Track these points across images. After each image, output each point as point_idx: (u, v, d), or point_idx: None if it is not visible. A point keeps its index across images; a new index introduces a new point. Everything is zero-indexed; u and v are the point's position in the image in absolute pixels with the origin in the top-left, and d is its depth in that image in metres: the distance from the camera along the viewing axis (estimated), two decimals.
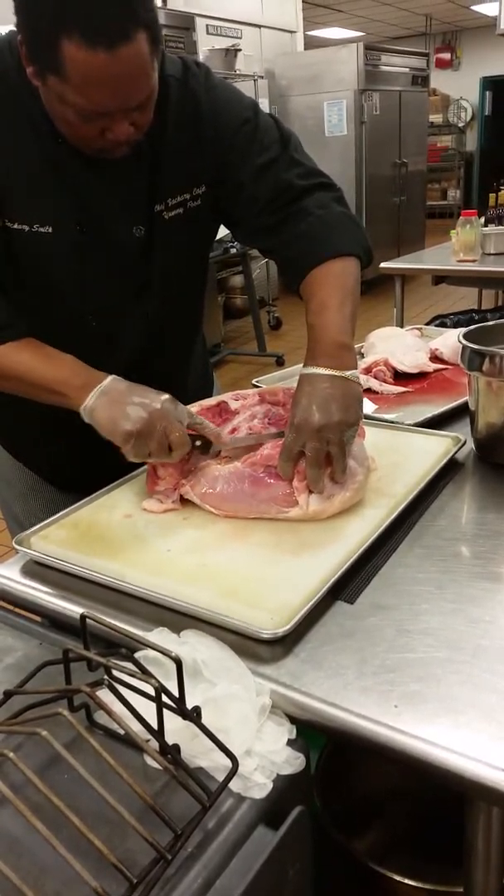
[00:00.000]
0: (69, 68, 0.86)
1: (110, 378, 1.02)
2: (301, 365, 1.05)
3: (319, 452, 0.96)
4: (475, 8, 10.14)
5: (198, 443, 1.04)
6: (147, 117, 0.97)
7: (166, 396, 1.00)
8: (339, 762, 1.13)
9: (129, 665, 0.65)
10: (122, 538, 0.98)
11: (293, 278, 1.14)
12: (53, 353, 1.06)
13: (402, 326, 2.17)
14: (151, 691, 0.63)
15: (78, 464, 1.16)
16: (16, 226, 1.04)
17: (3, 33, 1.02)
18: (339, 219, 1.15)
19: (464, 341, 1.13)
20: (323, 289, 1.10)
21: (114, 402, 0.99)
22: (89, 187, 1.06)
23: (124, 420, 0.97)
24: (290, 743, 0.67)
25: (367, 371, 1.55)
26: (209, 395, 1.36)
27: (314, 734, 0.71)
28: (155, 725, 0.64)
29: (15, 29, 0.91)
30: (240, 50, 5.88)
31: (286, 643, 0.78)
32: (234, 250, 5.07)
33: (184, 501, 1.06)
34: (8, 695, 0.71)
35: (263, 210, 1.14)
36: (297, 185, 1.14)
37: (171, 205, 1.11)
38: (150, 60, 0.89)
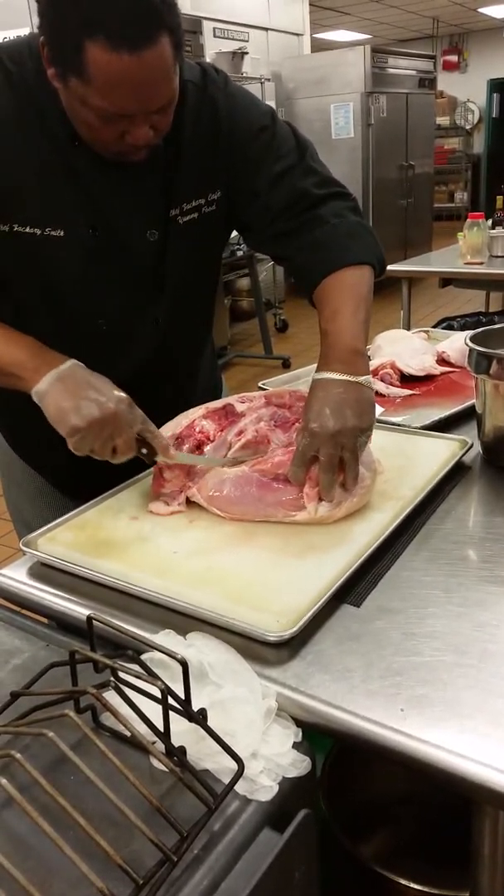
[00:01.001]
0: (92, 70, 0.86)
1: (70, 363, 0.99)
2: (312, 367, 1.05)
3: (333, 458, 0.96)
4: (483, 10, 10.14)
5: (144, 451, 1.01)
6: (167, 121, 0.98)
7: (123, 397, 0.98)
8: (345, 766, 1.13)
9: (136, 667, 0.66)
10: (129, 540, 0.99)
11: (307, 286, 1.14)
12: (13, 335, 1.04)
13: (408, 329, 2.17)
14: (158, 693, 0.63)
15: (85, 470, 1.15)
16: (27, 229, 1.04)
17: (10, 38, 1.03)
18: (353, 228, 1.15)
19: (471, 344, 1.12)
20: (337, 296, 1.10)
21: (68, 392, 0.96)
22: (104, 190, 1.06)
23: (74, 414, 0.94)
24: (295, 746, 0.67)
25: (374, 374, 1.54)
26: (217, 397, 1.36)
27: (320, 738, 0.71)
28: (161, 727, 0.64)
29: (37, 31, 0.92)
30: (247, 53, 5.89)
31: (292, 646, 0.78)
32: (240, 253, 5.08)
33: (190, 504, 1.06)
34: (15, 696, 0.71)
35: (277, 217, 1.14)
36: (312, 193, 1.14)
37: (186, 209, 1.12)
38: (172, 64, 0.90)
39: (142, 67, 0.86)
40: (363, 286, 1.11)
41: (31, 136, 1.02)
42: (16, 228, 1.04)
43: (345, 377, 1.00)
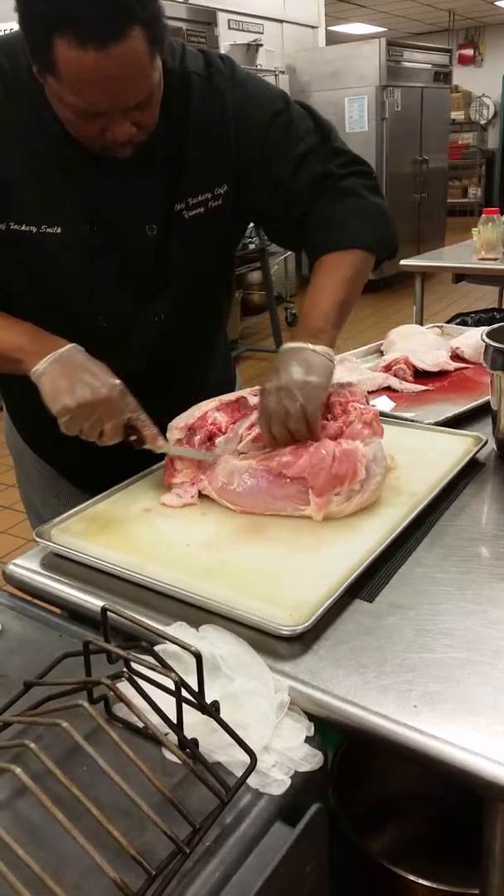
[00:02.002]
0: (63, 68, 0.85)
1: (69, 346, 1.01)
2: None
3: (279, 410, 1.01)
4: (499, 3, 10.04)
5: (133, 437, 1.04)
6: (150, 117, 0.96)
7: (117, 384, 1.00)
8: (354, 762, 1.13)
9: (150, 658, 0.66)
10: (141, 532, 0.99)
11: (310, 265, 1.16)
12: (12, 321, 1.05)
13: (421, 324, 2.16)
14: (171, 685, 0.63)
15: (96, 462, 1.16)
16: (23, 227, 1.03)
17: (4, 31, 1.02)
18: (363, 209, 1.14)
19: (487, 340, 1.12)
20: (321, 276, 1.12)
21: (64, 373, 0.98)
22: (100, 186, 1.05)
23: (67, 394, 0.97)
24: (308, 740, 0.67)
25: (388, 369, 1.54)
26: (232, 390, 1.35)
27: (330, 732, 0.71)
28: (174, 719, 0.64)
29: None
30: (261, 45, 5.86)
31: (305, 640, 0.78)
32: (252, 246, 5.06)
33: (202, 496, 1.06)
34: (28, 685, 0.71)
35: (300, 200, 1.13)
36: (335, 173, 1.13)
37: (191, 204, 1.10)
38: (147, 59, 0.88)
39: (111, 63, 0.84)
40: (352, 268, 1.12)
41: (25, 131, 1.01)
42: (12, 226, 1.03)
43: (302, 345, 1.05)
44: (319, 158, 1.13)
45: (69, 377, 0.98)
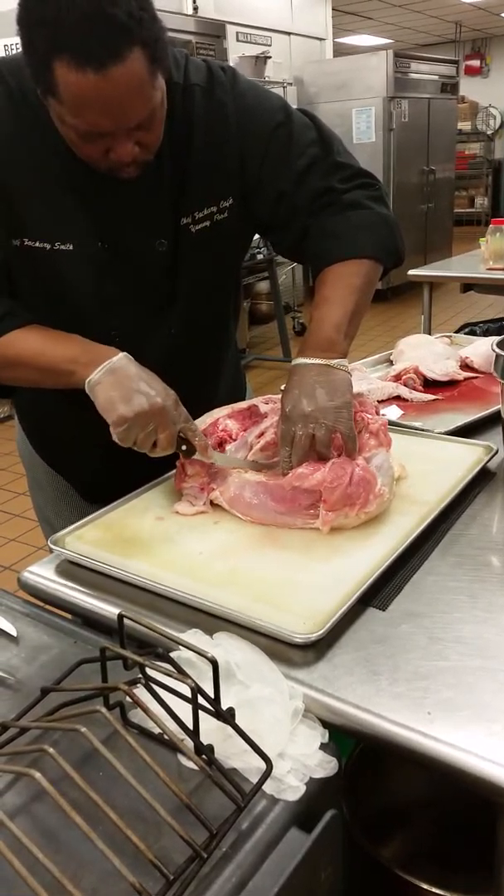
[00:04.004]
0: (63, 91, 0.85)
1: (121, 355, 1.01)
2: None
3: (306, 437, 1.00)
4: None
5: (184, 447, 1.04)
6: (154, 137, 0.96)
7: (171, 394, 1.01)
8: (365, 770, 1.13)
9: (166, 665, 0.66)
10: (155, 540, 0.99)
11: (313, 276, 1.16)
12: (62, 335, 1.06)
13: (430, 333, 2.16)
14: (187, 691, 0.64)
15: (107, 474, 1.16)
16: (36, 244, 1.04)
17: (4, 46, 1.03)
18: (366, 219, 1.13)
19: (498, 350, 1.12)
20: (328, 286, 1.11)
21: (119, 384, 0.98)
22: (110, 203, 1.05)
23: (124, 404, 0.97)
24: (322, 747, 0.67)
25: (397, 378, 1.55)
26: (242, 399, 1.36)
27: (341, 739, 0.72)
28: (190, 725, 0.64)
29: None
30: (269, 57, 5.90)
31: (318, 648, 0.79)
32: (260, 256, 5.09)
33: (214, 506, 1.07)
34: (45, 692, 0.72)
35: (302, 215, 1.13)
36: (337, 188, 1.12)
37: (198, 218, 1.10)
38: (148, 79, 0.87)
39: (111, 85, 0.84)
40: (359, 278, 1.11)
41: (35, 150, 1.01)
42: (26, 243, 1.04)
43: (317, 361, 1.04)
44: (321, 173, 1.12)
45: (124, 387, 0.98)
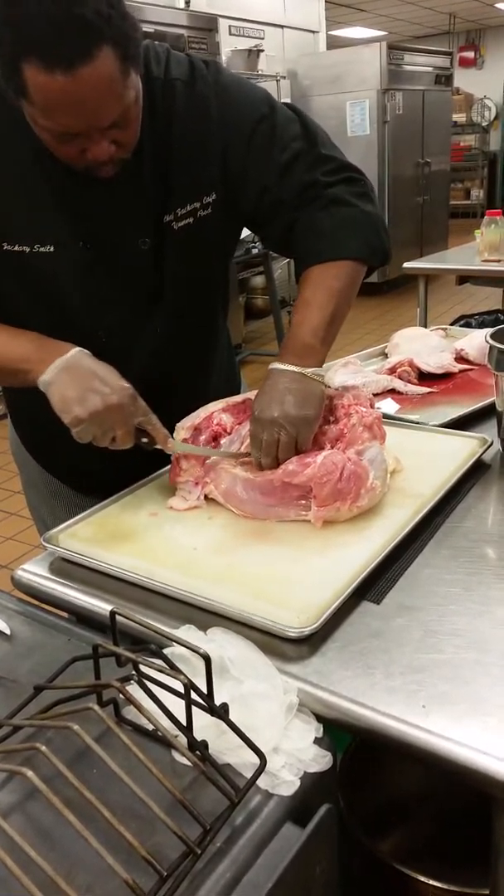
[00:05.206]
0: (33, 92, 0.84)
1: (74, 350, 1.00)
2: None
3: (271, 442, 1.01)
4: (500, 6, 10.06)
5: (144, 440, 1.04)
6: (130, 135, 0.95)
7: (127, 389, 0.99)
8: (362, 764, 1.13)
9: (158, 661, 0.66)
10: (149, 537, 0.99)
11: (297, 275, 1.15)
12: (16, 332, 1.05)
13: (425, 326, 2.16)
14: (180, 687, 0.64)
15: (98, 470, 1.16)
16: (16, 247, 1.03)
17: None
18: (351, 217, 1.11)
19: (491, 341, 1.12)
20: (309, 288, 1.10)
21: (73, 382, 0.98)
22: (90, 202, 1.04)
23: (78, 405, 0.96)
24: (317, 741, 0.67)
25: (392, 371, 1.54)
26: (236, 393, 1.36)
27: (338, 734, 0.72)
28: (184, 721, 0.64)
29: None
30: (262, 50, 5.88)
31: (313, 642, 0.79)
32: (255, 251, 5.07)
33: (209, 500, 1.06)
34: (38, 689, 0.72)
35: (287, 209, 1.11)
36: (321, 181, 1.11)
37: (180, 214, 1.09)
38: (119, 78, 0.86)
39: (80, 85, 0.83)
40: (340, 280, 1.10)
41: (14, 151, 1.00)
42: (5, 247, 1.03)
43: (293, 368, 1.04)
44: (305, 166, 1.10)
45: (78, 385, 0.97)
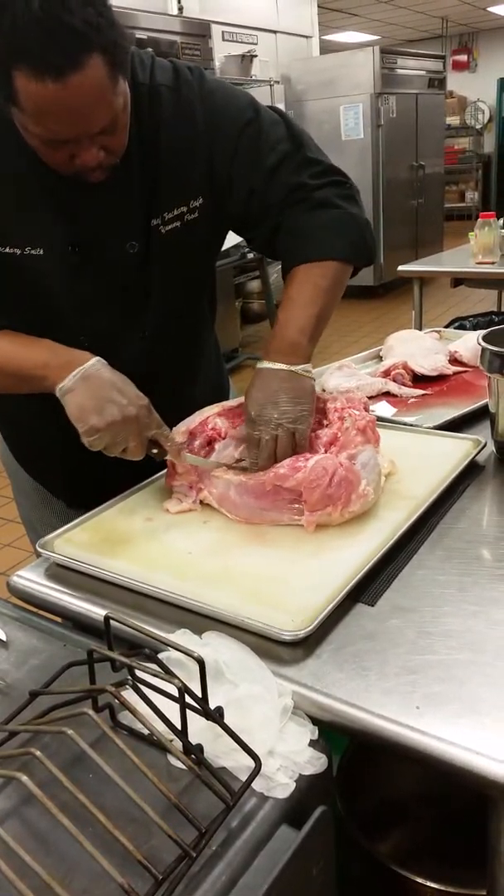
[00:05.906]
0: (23, 100, 0.85)
1: (94, 360, 1.01)
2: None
3: (270, 442, 1.02)
4: (492, 9, 10.10)
5: (154, 450, 1.05)
6: (119, 140, 0.96)
7: (144, 401, 1.01)
8: (361, 765, 1.13)
9: (153, 666, 0.66)
10: (144, 541, 0.99)
11: (283, 276, 1.16)
12: (32, 339, 1.06)
13: (420, 329, 2.17)
14: (175, 692, 0.64)
15: (84, 481, 1.16)
16: (6, 249, 1.04)
17: None
18: (337, 219, 1.12)
19: (483, 343, 1.12)
20: (295, 286, 1.11)
21: (91, 392, 0.99)
22: (80, 206, 1.04)
23: (95, 415, 0.98)
24: (312, 743, 0.67)
25: (386, 374, 1.55)
26: (224, 399, 1.35)
27: (336, 736, 0.72)
28: (179, 725, 0.64)
29: None
30: (255, 56, 5.90)
31: (307, 645, 0.79)
32: (250, 255, 5.08)
33: (203, 505, 1.07)
34: (34, 695, 0.72)
35: (273, 212, 1.12)
36: (308, 184, 1.11)
37: (167, 219, 1.09)
38: (108, 85, 0.87)
39: (70, 93, 0.84)
40: (326, 279, 1.10)
41: (5, 154, 1.01)
42: None
43: (282, 367, 1.04)
44: (292, 169, 1.11)
45: (96, 395, 0.98)
